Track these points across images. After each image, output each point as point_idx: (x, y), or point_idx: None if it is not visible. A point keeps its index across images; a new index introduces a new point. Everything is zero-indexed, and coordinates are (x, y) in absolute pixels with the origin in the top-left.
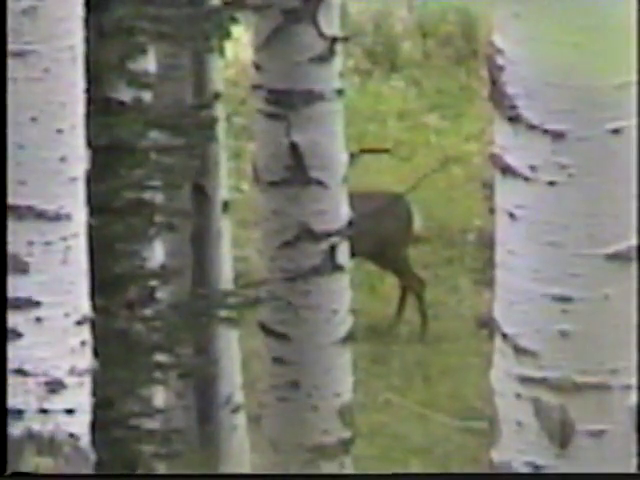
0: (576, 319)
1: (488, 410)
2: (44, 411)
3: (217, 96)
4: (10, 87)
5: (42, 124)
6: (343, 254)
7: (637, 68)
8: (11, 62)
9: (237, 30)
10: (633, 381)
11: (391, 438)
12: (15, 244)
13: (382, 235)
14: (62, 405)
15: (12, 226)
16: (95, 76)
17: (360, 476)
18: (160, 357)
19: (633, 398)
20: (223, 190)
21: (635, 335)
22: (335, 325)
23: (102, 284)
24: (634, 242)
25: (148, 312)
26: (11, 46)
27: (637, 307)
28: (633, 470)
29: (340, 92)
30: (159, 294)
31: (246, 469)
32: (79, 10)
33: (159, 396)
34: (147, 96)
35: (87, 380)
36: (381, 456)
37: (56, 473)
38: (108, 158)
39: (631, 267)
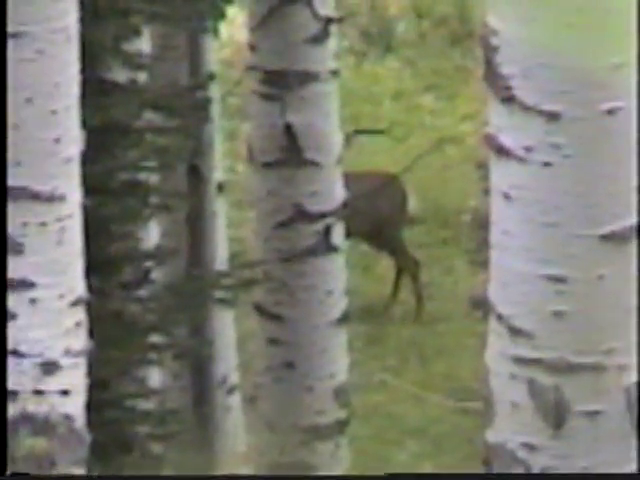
0: (571, 299)
1: (483, 391)
2: (39, 392)
3: (212, 77)
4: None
5: (36, 105)
6: (338, 235)
7: (638, 52)
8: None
9: (232, 11)
10: (628, 361)
11: (386, 418)
12: (10, 225)
13: (377, 216)
14: (57, 386)
15: (7, 207)
16: (90, 57)
17: (360, 477)
18: (155, 338)
19: (628, 378)
20: (218, 171)
21: (630, 315)
22: (330, 306)
23: (97, 265)
24: (629, 222)
25: (143, 293)
26: (5, 27)
27: (637, 288)
28: (627, 450)
29: (335, 73)
30: (154, 275)
31: (241, 450)
32: None
33: (154, 377)
34: (142, 77)
35: (82, 361)
36: (376, 436)
37: (56, 473)
38: (103, 139)
39: (626, 247)
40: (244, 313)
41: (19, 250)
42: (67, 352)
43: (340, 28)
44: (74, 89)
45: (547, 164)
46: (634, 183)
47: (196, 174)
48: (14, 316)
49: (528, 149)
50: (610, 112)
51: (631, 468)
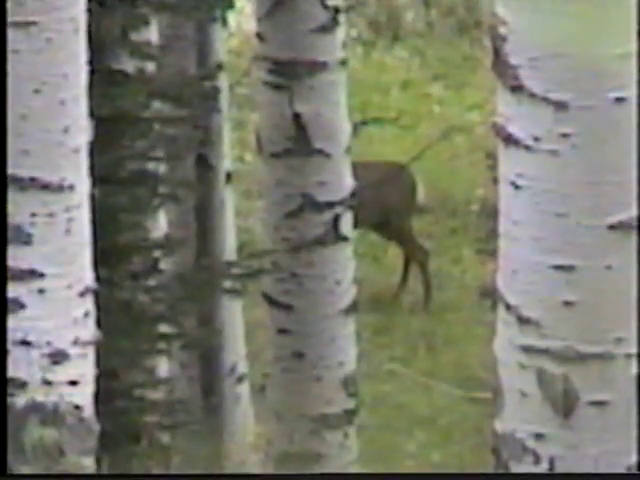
0: (579, 289)
1: (492, 380)
2: (48, 382)
3: (220, 67)
4: (13, 58)
5: (45, 95)
6: (346, 224)
7: (637, 40)
8: (14, 33)
9: (240, 0)
10: (636, 350)
11: (395, 408)
12: (18, 215)
13: (386, 205)
14: (66, 376)
15: (15, 197)
16: (98, 47)
17: (360, 475)
18: (164, 328)
19: (636, 367)
20: (226, 161)
21: (638, 304)
22: (339, 295)
23: (105, 255)
24: (637, 211)
25: (152, 283)
26: (13, 17)
27: (637, 279)
28: (636, 440)
29: (343, 62)
30: (163, 265)
31: (250, 439)
32: None
33: (163, 367)
34: (150, 67)
35: (91, 351)
36: (385, 426)
37: (56, 473)
38: (111, 129)
39: (634, 237)
40: (253, 303)
41: (28, 240)
42: (76, 342)
43: (348, 17)
44: (82, 79)
45: (555, 153)
46: None
47: (204, 164)
48: (22, 306)
49: (536, 138)
50: (618, 100)
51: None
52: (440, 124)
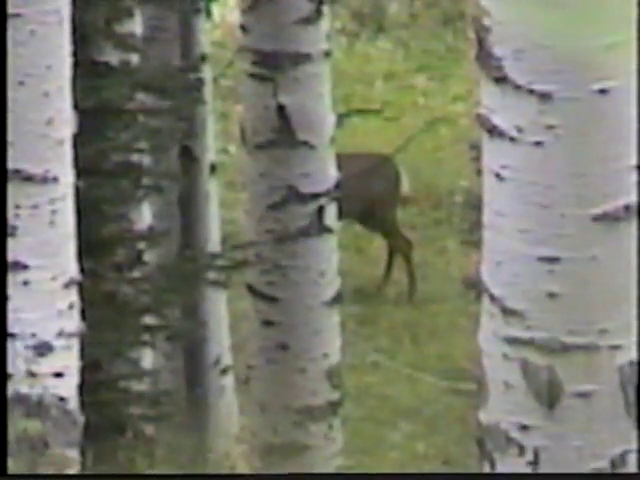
0: (564, 280)
1: (476, 371)
2: (32, 374)
3: (204, 58)
4: None
5: (28, 87)
6: (331, 216)
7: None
8: None
9: None
10: (621, 341)
11: (379, 399)
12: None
13: (370, 196)
14: (50, 368)
15: None
16: (82, 39)
17: (357, 475)
18: (148, 319)
19: (621, 358)
20: (210, 152)
21: (623, 296)
22: (323, 287)
23: (90, 247)
24: (621, 202)
25: (136, 274)
26: None
27: (638, 268)
28: (620, 431)
29: (327, 54)
30: (147, 256)
31: (234, 430)
32: None
33: (147, 358)
34: (134, 58)
35: (75, 343)
36: (369, 417)
37: (56, 473)
38: (95, 121)
39: (619, 228)
40: (237, 294)
41: (12, 232)
42: (60, 334)
43: (332, 9)
44: (66, 71)
45: (539, 144)
46: (628, 162)
47: (189, 155)
48: (7, 298)
49: (520, 129)
50: (602, 92)
51: (623, 448)
52: (424, 115)
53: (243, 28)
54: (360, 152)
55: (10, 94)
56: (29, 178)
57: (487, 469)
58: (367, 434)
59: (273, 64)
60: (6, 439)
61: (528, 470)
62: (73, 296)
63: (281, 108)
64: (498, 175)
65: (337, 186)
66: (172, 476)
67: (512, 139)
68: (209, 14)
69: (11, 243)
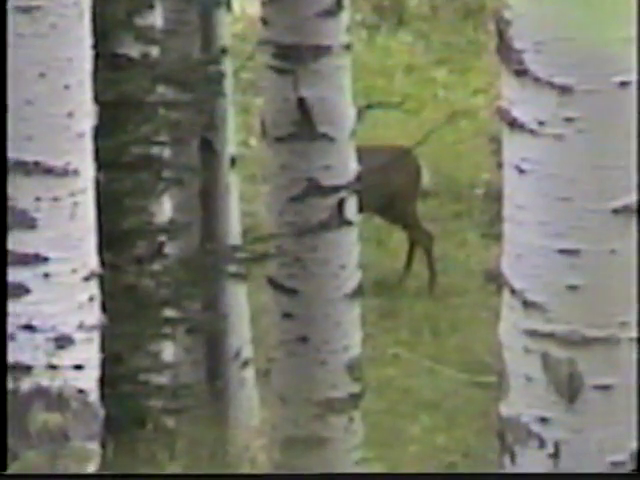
0: (584, 273)
1: (497, 364)
2: (53, 367)
3: (224, 51)
4: (17, 43)
5: (49, 80)
6: (351, 209)
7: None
8: (18, 18)
9: None
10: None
11: (400, 392)
12: (23, 200)
13: (390, 189)
14: (71, 361)
15: (20, 182)
16: (102, 32)
17: (358, 475)
18: (169, 312)
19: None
20: (231, 145)
21: None
22: (343, 280)
23: (110, 239)
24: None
25: (156, 267)
26: (17, 2)
27: (637, 264)
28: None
29: (348, 46)
30: (167, 249)
31: (255, 423)
32: None
33: (168, 351)
34: (154, 51)
35: (95, 335)
36: (389, 410)
37: (56, 473)
38: (116, 113)
39: (638, 221)
40: (257, 287)
41: (32, 225)
42: (80, 326)
43: (353, 1)
44: (87, 64)
45: (560, 137)
46: None
47: (209, 148)
48: (27, 291)
49: (541, 122)
50: (623, 84)
51: None
52: (444, 108)
53: (264, 21)
54: (380, 145)
55: (31, 87)
56: (49, 170)
57: (507, 462)
58: (387, 427)
59: (294, 57)
60: (6, 440)
61: (549, 463)
62: (94, 289)
63: (301, 101)
64: (518, 168)
65: (358, 179)
66: (172, 476)
67: (532, 132)
68: (229, 7)
69: (31, 236)
